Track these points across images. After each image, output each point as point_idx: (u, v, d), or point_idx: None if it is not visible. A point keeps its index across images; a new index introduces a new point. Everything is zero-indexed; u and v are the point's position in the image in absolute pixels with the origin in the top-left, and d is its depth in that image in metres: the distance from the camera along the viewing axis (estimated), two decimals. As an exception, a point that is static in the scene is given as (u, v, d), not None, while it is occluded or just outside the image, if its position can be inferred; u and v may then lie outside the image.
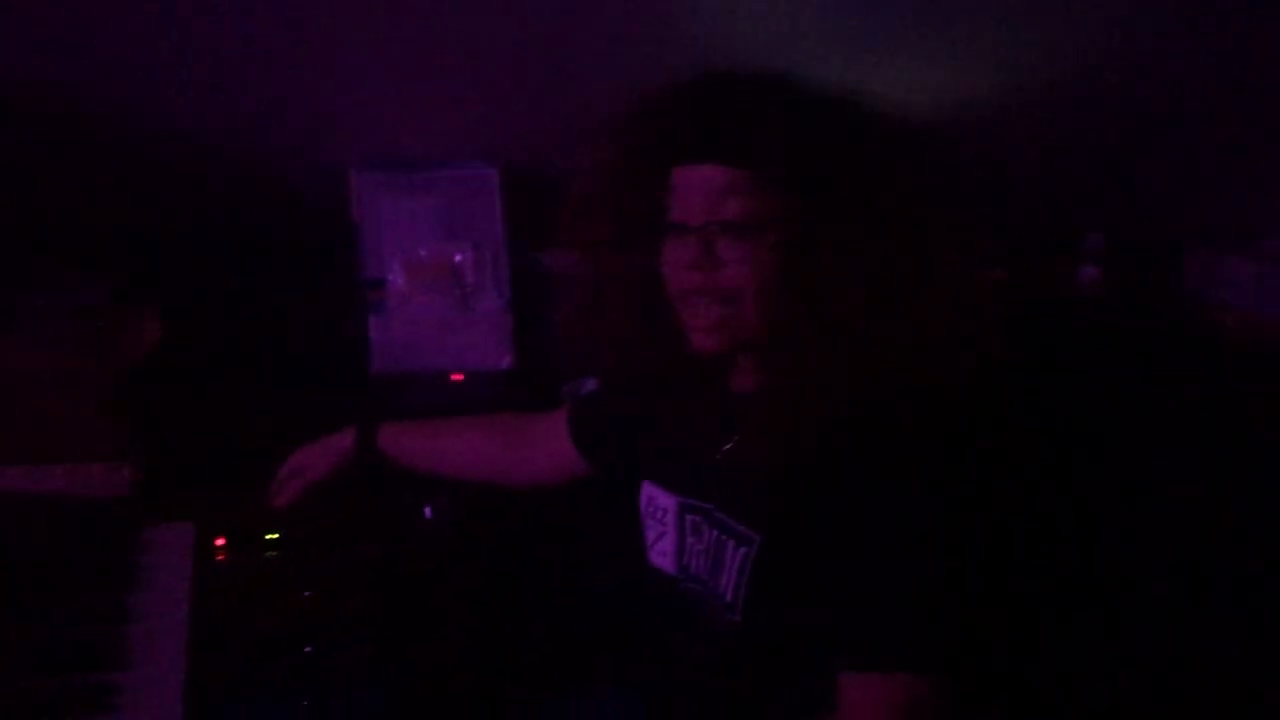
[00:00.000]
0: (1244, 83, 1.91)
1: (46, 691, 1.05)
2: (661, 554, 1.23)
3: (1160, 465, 1.75)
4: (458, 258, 1.91)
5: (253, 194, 1.91)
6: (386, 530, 1.56)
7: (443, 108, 1.89)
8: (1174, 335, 1.99)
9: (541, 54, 1.78)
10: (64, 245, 1.76)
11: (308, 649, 1.44)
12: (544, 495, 1.48)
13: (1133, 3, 1.75)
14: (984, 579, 1.03)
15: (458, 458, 1.49)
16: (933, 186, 1.07)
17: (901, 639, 1.00)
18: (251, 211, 1.92)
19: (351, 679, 1.43)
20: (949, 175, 1.08)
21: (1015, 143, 1.92)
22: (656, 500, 1.23)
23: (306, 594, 1.47)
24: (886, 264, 1.02)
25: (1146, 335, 1.93)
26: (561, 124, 1.77)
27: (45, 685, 1.06)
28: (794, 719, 1.09)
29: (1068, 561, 1.66)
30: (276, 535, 1.53)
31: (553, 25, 1.71)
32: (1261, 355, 1.95)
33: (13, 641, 1.12)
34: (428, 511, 1.60)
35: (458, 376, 1.87)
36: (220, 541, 1.49)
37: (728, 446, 1.14)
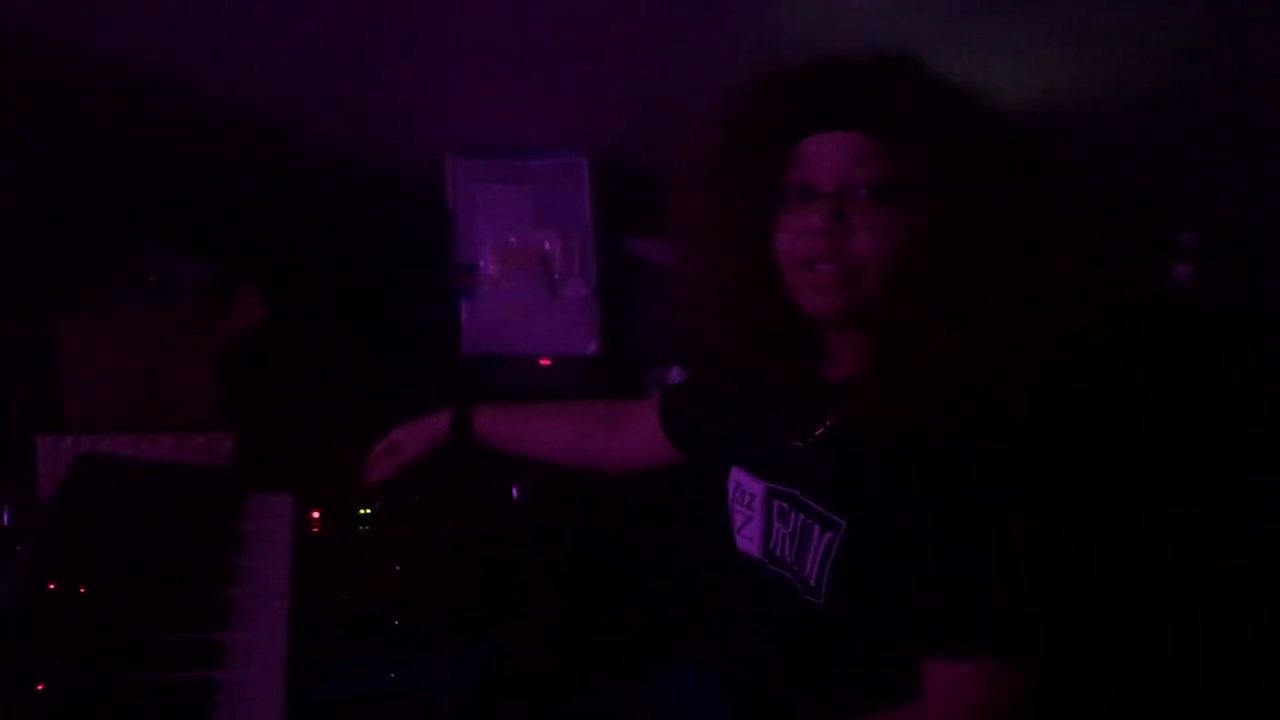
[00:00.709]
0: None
1: (161, 645, 1.11)
2: (748, 539, 1.24)
3: (1250, 469, 1.72)
4: (546, 245, 1.94)
5: (353, 180, 1.96)
6: (475, 509, 1.60)
7: (536, 97, 1.91)
8: (1268, 337, 1.94)
9: (633, 44, 1.79)
10: (176, 226, 1.82)
11: (395, 622, 1.47)
12: (629, 478, 1.50)
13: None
14: (1073, 572, 1.03)
15: (550, 442, 1.51)
16: (1057, 173, 1.06)
17: (991, 628, 1.00)
18: (352, 196, 1.97)
19: (437, 654, 1.45)
20: (1063, 167, 1.07)
21: (1112, 138, 1.90)
22: (744, 485, 1.24)
23: (396, 568, 1.51)
24: (1016, 245, 1.01)
25: (1239, 337, 1.89)
26: (652, 114, 1.80)
27: (162, 639, 1.11)
28: (873, 703, 1.10)
29: (1155, 559, 1.64)
30: (369, 510, 1.57)
31: (646, 15, 1.73)
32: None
33: (130, 597, 1.17)
34: (515, 492, 1.63)
35: (545, 361, 1.90)
36: (315, 514, 1.54)
37: (819, 432, 1.15)
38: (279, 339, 1.71)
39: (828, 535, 1.10)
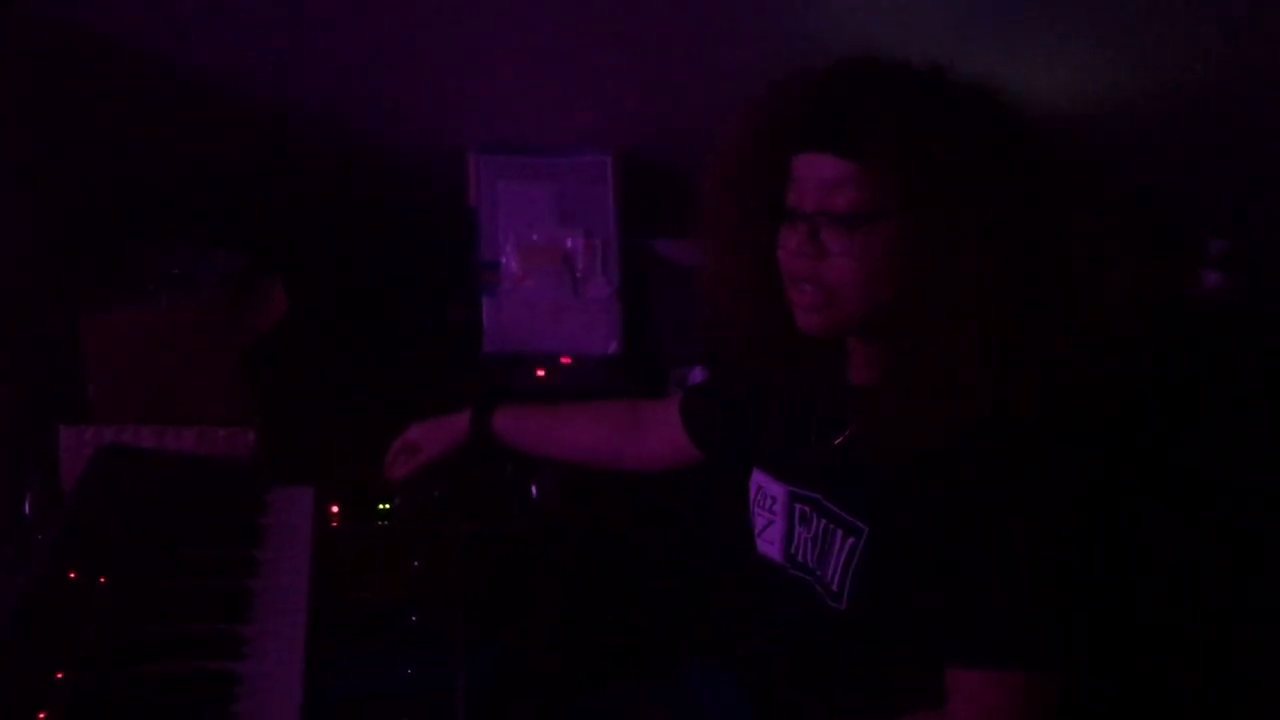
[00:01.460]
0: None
1: (181, 636, 1.11)
2: (769, 541, 1.23)
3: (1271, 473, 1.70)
4: (569, 243, 1.94)
5: (375, 176, 1.96)
6: (494, 507, 1.60)
7: (560, 95, 1.91)
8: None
9: (658, 44, 1.79)
10: (200, 221, 1.83)
11: (413, 618, 1.48)
12: (649, 479, 1.50)
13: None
14: (1098, 580, 1.02)
15: (571, 442, 1.51)
16: (1075, 185, 1.05)
17: (1015, 635, 0.99)
18: (374, 193, 1.97)
19: (452, 652, 1.45)
20: (1084, 167, 1.06)
21: (1143, 144, 1.89)
22: (766, 488, 1.24)
23: (415, 564, 1.51)
24: (1012, 251, 1.01)
25: (1269, 344, 1.87)
26: (676, 112, 1.80)
27: (181, 630, 1.12)
28: (891, 708, 1.09)
29: (1182, 567, 1.63)
30: (388, 506, 1.57)
31: (670, 15, 1.73)
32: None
33: (150, 588, 1.17)
34: (534, 490, 1.63)
35: (566, 359, 1.90)
36: (335, 509, 1.54)
37: (841, 438, 1.15)
38: (301, 334, 1.72)
39: (850, 540, 1.10)
